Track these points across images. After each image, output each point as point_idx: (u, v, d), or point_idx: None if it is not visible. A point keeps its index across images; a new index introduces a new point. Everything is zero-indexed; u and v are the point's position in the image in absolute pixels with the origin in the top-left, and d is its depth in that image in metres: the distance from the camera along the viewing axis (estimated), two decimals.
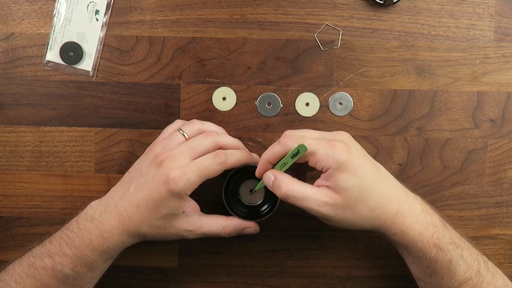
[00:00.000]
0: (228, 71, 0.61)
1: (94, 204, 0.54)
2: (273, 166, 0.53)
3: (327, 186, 0.50)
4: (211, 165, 0.52)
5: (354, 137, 0.61)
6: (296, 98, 0.61)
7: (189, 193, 0.52)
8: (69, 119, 0.62)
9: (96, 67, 0.61)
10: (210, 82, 0.61)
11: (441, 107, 0.61)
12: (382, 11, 0.60)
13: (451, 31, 0.60)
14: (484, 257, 0.53)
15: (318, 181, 0.51)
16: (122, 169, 0.62)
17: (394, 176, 0.61)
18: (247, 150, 0.57)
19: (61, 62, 0.61)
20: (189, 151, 0.52)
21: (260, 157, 0.54)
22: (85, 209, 0.54)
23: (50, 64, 0.61)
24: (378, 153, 0.62)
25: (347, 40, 0.61)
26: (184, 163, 0.51)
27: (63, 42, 0.61)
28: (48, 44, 0.61)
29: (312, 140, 0.50)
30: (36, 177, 0.62)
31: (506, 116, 0.61)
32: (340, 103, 0.61)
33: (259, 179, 0.57)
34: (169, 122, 0.61)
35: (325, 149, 0.49)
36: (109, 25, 0.61)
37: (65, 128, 0.62)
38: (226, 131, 0.61)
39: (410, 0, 0.60)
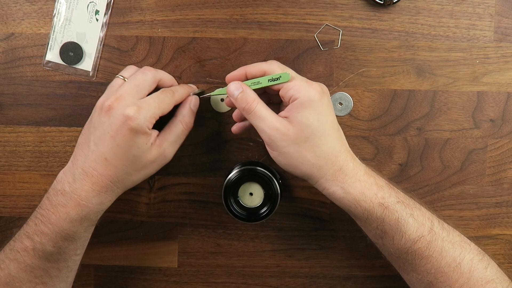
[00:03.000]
0: (228, 71, 0.61)
1: (59, 177, 0.52)
2: (245, 80, 0.53)
3: (286, 118, 0.50)
4: (164, 98, 0.52)
5: (354, 137, 0.61)
6: None
7: (151, 126, 0.51)
8: (69, 119, 0.62)
9: (96, 67, 0.61)
10: (210, 82, 0.61)
11: (441, 107, 0.61)
12: (382, 11, 0.60)
13: (451, 31, 0.60)
14: (439, 218, 0.53)
15: (281, 113, 0.51)
16: None
17: (394, 178, 0.61)
18: (185, 84, 0.58)
19: (61, 62, 0.61)
20: (133, 89, 0.51)
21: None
22: (53, 184, 0.52)
23: (50, 64, 0.61)
24: (378, 153, 0.62)
25: (347, 40, 0.61)
26: (135, 101, 0.50)
27: (63, 42, 0.61)
28: (48, 44, 0.61)
29: (294, 73, 0.52)
30: (36, 177, 0.62)
31: (506, 116, 0.61)
32: (340, 103, 0.61)
33: (258, 182, 0.57)
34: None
35: (302, 82, 0.50)
36: (109, 25, 0.61)
37: (65, 128, 0.62)
38: (226, 131, 0.62)
39: (410, 0, 0.60)
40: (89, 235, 0.54)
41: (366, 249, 0.63)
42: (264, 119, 0.50)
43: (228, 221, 0.63)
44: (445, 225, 0.52)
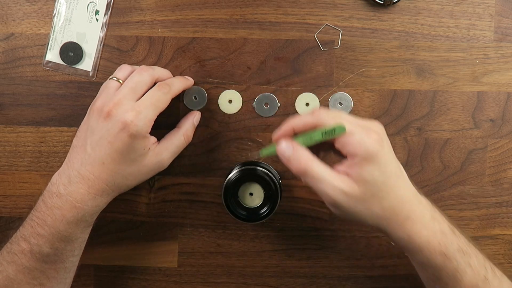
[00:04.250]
0: (228, 71, 0.61)
1: (54, 179, 0.52)
2: (294, 137, 0.49)
3: (347, 174, 0.47)
4: (161, 96, 0.52)
5: None
6: (296, 98, 0.61)
7: (149, 130, 0.51)
8: (69, 119, 0.62)
9: (96, 67, 0.61)
10: (210, 82, 0.61)
11: (441, 107, 0.61)
12: (382, 11, 0.60)
13: (451, 31, 0.60)
14: (491, 262, 0.52)
15: (338, 167, 0.48)
16: None
17: None
18: (180, 76, 0.58)
19: (61, 62, 0.61)
20: (130, 92, 0.51)
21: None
22: (47, 186, 0.52)
23: (50, 64, 0.61)
24: None
25: (347, 40, 0.61)
26: (133, 104, 0.51)
27: (63, 42, 0.61)
28: (48, 44, 0.61)
29: (348, 122, 0.47)
30: (36, 177, 0.62)
31: (506, 116, 0.61)
32: (340, 103, 0.61)
33: (258, 182, 0.57)
34: (169, 122, 0.62)
35: (360, 134, 0.46)
36: (109, 25, 0.61)
37: (65, 128, 0.62)
38: (226, 131, 0.62)
39: (410, 0, 0.60)
40: (86, 236, 0.54)
41: (366, 249, 0.63)
42: (324, 181, 0.47)
43: (228, 221, 0.63)
44: (497, 271, 0.52)
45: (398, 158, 0.61)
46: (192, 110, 0.61)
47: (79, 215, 0.50)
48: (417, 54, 0.61)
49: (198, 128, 0.61)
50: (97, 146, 0.50)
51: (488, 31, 0.60)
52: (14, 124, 0.62)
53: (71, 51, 0.61)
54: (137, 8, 0.61)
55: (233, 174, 0.57)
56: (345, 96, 0.61)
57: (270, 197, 0.57)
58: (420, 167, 0.62)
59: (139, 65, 0.61)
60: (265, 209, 0.57)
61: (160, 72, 0.56)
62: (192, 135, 0.58)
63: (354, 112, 0.61)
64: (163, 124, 0.62)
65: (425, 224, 0.49)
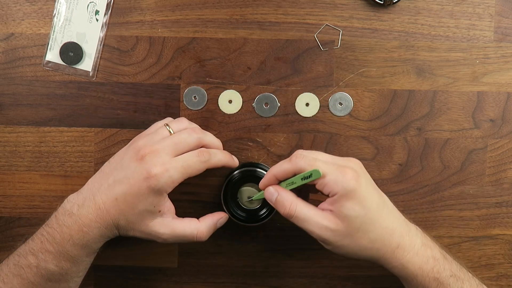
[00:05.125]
0: (228, 71, 0.61)
1: (71, 197, 0.53)
2: (279, 182, 0.52)
3: (331, 211, 0.49)
4: (195, 163, 0.52)
5: (354, 137, 0.61)
6: (296, 98, 0.61)
7: (170, 190, 0.51)
8: (69, 119, 0.62)
9: (96, 67, 0.61)
10: (210, 82, 0.61)
11: (441, 107, 0.61)
12: (382, 11, 0.60)
13: (451, 31, 0.60)
14: (484, 286, 0.53)
15: (323, 204, 0.51)
16: None
17: (394, 178, 0.61)
18: (228, 153, 0.57)
19: (61, 62, 0.61)
20: (172, 146, 0.52)
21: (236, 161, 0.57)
22: (63, 203, 0.53)
23: (50, 64, 0.61)
24: (378, 153, 0.62)
25: (347, 40, 0.61)
26: (167, 160, 0.51)
27: (63, 42, 0.61)
28: (48, 44, 0.61)
29: (323, 164, 0.50)
30: (36, 177, 0.62)
31: (506, 116, 0.61)
32: (340, 103, 0.61)
33: (258, 183, 0.57)
34: None
35: (335, 174, 0.49)
36: (109, 25, 0.61)
37: (65, 128, 0.62)
38: (226, 131, 0.62)
39: (410, 0, 0.60)
40: (91, 261, 0.55)
41: None
42: (309, 220, 0.50)
43: (228, 221, 0.63)
44: None
45: (398, 158, 0.61)
46: (192, 109, 0.61)
47: (84, 240, 0.51)
48: (417, 54, 0.61)
49: None
50: (119, 181, 0.51)
51: (488, 31, 0.60)
52: (14, 124, 0.62)
53: (71, 51, 0.61)
54: (137, 8, 0.61)
55: (232, 175, 0.57)
56: (345, 96, 0.61)
57: None
58: (420, 167, 0.62)
59: (140, 66, 0.61)
60: (264, 210, 0.57)
61: (210, 139, 0.56)
62: (207, 236, 0.55)
63: (354, 112, 0.61)
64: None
65: (416, 251, 0.51)
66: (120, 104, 0.62)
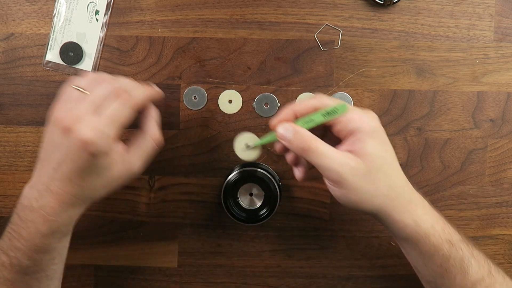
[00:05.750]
0: (228, 71, 0.61)
1: (26, 192, 0.51)
2: (294, 121, 0.49)
3: (350, 151, 0.47)
4: (120, 110, 0.49)
5: None
6: (296, 98, 0.61)
7: (111, 146, 0.49)
8: None
9: (96, 67, 0.61)
10: (210, 82, 0.61)
11: (441, 107, 0.61)
12: (382, 11, 0.60)
13: (451, 31, 0.60)
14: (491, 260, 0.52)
15: (339, 147, 0.48)
16: None
17: None
18: (147, 86, 0.54)
19: (61, 62, 0.61)
20: (91, 106, 0.49)
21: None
22: (20, 199, 0.51)
23: (50, 64, 0.61)
24: None
25: (347, 40, 0.61)
26: (93, 121, 0.48)
27: (63, 42, 0.61)
28: (48, 44, 0.61)
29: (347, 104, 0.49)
30: None
31: (506, 116, 0.61)
32: None
33: (258, 183, 0.57)
34: (169, 122, 0.62)
35: (360, 112, 0.48)
36: (109, 25, 0.61)
37: None
38: (226, 131, 0.62)
39: (410, 0, 0.60)
40: (66, 244, 0.54)
41: (366, 249, 0.63)
42: (329, 156, 0.47)
43: (228, 221, 0.63)
44: (500, 270, 0.51)
45: (398, 158, 0.61)
46: (192, 109, 0.61)
47: (53, 228, 0.50)
48: (417, 54, 0.61)
49: (198, 128, 0.61)
50: (62, 162, 0.49)
51: (488, 31, 0.60)
52: (14, 124, 0.62)
53: (71, 51, 0.61)
54: (137, 8, 0.61)
55: (232, 175, 0.57)
56: (345, 96, 0.61)
57: (269, 199, 0.57)
58: (420, 167, 0.62)
59: (141, 65, 0.61)
60: (264, 210, 0.57)
61: (125, 82, 0.52)
62: (161, 136, 0.53)
63: None
64: (164, 125, 0.62)
65: (427, 210, 0.49)
66: None
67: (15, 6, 0.61)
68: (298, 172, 0.53)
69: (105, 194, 0.52)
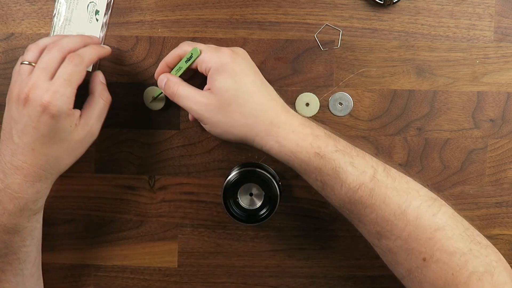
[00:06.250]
0: None
1: None
2: (170, 70, 0.56)
3: (209, 90, 0.52)
4: (73, 70, 0.51)
5: (354, 137, 0.61)
6: (296, 98, 0.61)
7: (71, 106, 0.51)
8: None
9: (96, 67, 0.61)
10: None
11: (441, 107, 0.61)
12: (382, 11, 0.60)
13: (451, 31, 0.60)
14: (386, 165, 0.50)
15: (205, 87, 0.53)
16: (122, 169, 0.62)
17: None
18: (93, 41, 0.56)
19: None
20: (44, 73, 0.50)
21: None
22: None
23: None
24: (378, 153, 0.62)
25: (347, 40, 0.61)
26: (48, 85, 0.50)
27: None
28: None
29: (203, 45, 0.54)
30: None
31: (506, 116, 0.61)
32: (340, 103, 0.61)
33: (258, 183, 0.57)
34: (169, 122, 0.62)
35: (211, 51, 0.53)
36: (109, 25, 0.61)
37: None
38: None
39: (410, 0, 0.60)
40: (37, 225, 0.54)
41: (366, 249, 0.63)
42: (188, 97, 0.52)
43: (228, 221, 0.63)
44: (392, 171, 0.50)
45: (398, 158, 0.62)
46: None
47: (20, 205, 0.51)
48: (417, 54, 0.61)
49: (198, 128, 0.61)
50: (23, 134, 0.50)
51: (488, 31, 0.60)
52: None
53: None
54: (137, 8, 0.61)
55: (232, 175, 0.57)
56: (345, 96, 0.61)
57: (269, 199, 0.57)
58: (420, 167, 0.62)
59: (141, 65, 0.61)
60: (264, 210, 0.57)
61: (69, 43, 0.53)
62: (108, 93, 0.57)
63: (354, 112, 0.61)
64: (164, 125, 0.62)
65: (293, 129, 0.50)
66: (120, 104, 0.62)
67: (15, 6, 0.61)
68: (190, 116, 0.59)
69: (70, 163, 0.53)
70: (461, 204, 0.62)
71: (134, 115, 0.62)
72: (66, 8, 0.61)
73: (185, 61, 0.54)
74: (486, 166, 0.62)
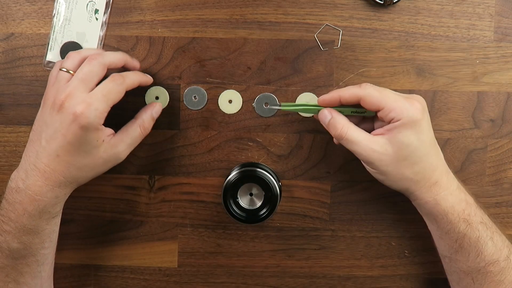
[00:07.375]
0: (228, 71, 0.61)
1: (13, 175, 0.53)
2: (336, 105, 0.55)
3: (383, 135, 0.52)
4: (113, 88, 0.51)
5: None
6: (296, 98, 0.61)
7: (102, 122, 0.51)
8: None
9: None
10: (210, 82, 0.61)
11: (441, 107, 0.61)
12: (382, 11, 0.60)
13: (451, 31, 0.60)
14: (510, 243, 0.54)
15: (377, 131, 0.53)
16: (123, 169, 0.62)
17: None
18: (133, 61, 0.57)
19: None
20: (82, 84, 0.51)
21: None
22: (8, 183, 0.53)
23: (50, 65, 0.61)
24: None
25: (347, 40, 0.61)
26: (84, 96, 0.50)
27: (63, 42, 0.61)
28: (48, 44, 0.61)
29: (392, 93, 0.52)
30: None
31: (506, 116, 0.61)
32: None
33: (258, 183, 0.57)
34: (170, 122, 0.62)
35: (403, 102, 0.51)
36: (109, 25, 0.61)
37: None
38: (226, 131, 0.62)
39: (410, 0, 0.60)
40: (55, 228, 0.55)
41: (366, 249, 0.63)
42: (358, 143, 0.52)
43: (228, 221, 0.63)
44: None
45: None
46: (192, 109, 0.61)
47: (40, 207, 0.51)
48: (417, 54, 0.61)
49: (198, 128, 0.61)
50: (51, 139, 0.51)
51: (488, 31, 0.60)
52: (14, 124, 0.62)
53: (72, 51, 0.61)
54: (137, 8, 0.61)
55: (232, 175, 0.57)
56: None
57: (269, 199, 0.57)
58: None
59: (141, 65, 0.61)
60: (264, 210, 0.57)
61: (111, 57, 0.54)
62: (149, 127, 0.56)
63: None
64: (164, 124, 0.62)
65: (451, 191, 0.52)
66: (120, 104, 0.61)
67: (15, 6, 0.61)
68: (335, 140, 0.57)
69: (91, 176, 0.54)
70: None
71: (134, 115, 0.62)
72: (66, 7, 0.61)
73: (352, 112, 0.54)
74: (486, 166, 0.62)
